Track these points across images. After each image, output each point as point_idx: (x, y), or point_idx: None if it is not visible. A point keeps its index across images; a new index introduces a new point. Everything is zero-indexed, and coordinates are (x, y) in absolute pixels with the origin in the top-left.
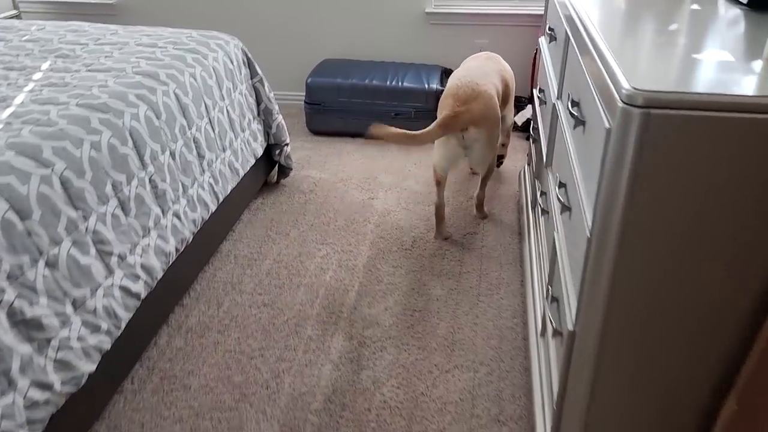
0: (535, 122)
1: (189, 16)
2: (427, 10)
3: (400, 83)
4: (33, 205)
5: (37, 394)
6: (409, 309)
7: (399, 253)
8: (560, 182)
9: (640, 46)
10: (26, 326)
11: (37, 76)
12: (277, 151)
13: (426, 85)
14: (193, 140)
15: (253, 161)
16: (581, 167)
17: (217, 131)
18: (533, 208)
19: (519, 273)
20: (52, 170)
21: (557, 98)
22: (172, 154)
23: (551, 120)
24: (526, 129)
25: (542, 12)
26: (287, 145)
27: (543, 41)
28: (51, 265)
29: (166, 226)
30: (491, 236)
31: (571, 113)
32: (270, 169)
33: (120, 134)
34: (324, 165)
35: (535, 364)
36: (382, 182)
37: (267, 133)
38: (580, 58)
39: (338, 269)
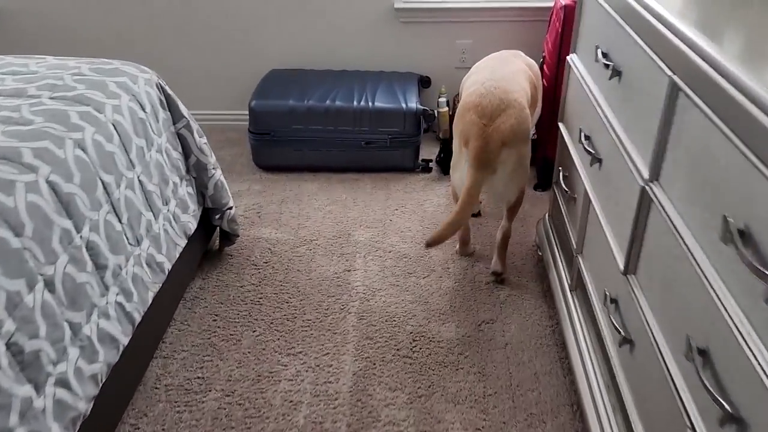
0: (565, 168)
1: (89, 19)
2: (396, 6)
3: (369, 103)
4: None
5: None
6: None
7: (396, 364)
8: (698, 348)
9: None
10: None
11: None
12: (217, 216)
13: (404, 104)
14: (87, 247)
15: (183, 243)
16: None
17: (125, 218)
18: (573, 290)
19: (566, 389)
20: None
21: (651, 180)
22: (50, 285)
23: (637, 210)
24: None
25: (548, 5)
26: (230, 208)
27: (579, 64)
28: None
29: (44, 410)
30: (515, 324)
31: (739, 254)
32: (209, 234)
33: None
34: (280, 218)
35: None
36: (358, 241)
37: (202, 194)
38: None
39: (314, 400)
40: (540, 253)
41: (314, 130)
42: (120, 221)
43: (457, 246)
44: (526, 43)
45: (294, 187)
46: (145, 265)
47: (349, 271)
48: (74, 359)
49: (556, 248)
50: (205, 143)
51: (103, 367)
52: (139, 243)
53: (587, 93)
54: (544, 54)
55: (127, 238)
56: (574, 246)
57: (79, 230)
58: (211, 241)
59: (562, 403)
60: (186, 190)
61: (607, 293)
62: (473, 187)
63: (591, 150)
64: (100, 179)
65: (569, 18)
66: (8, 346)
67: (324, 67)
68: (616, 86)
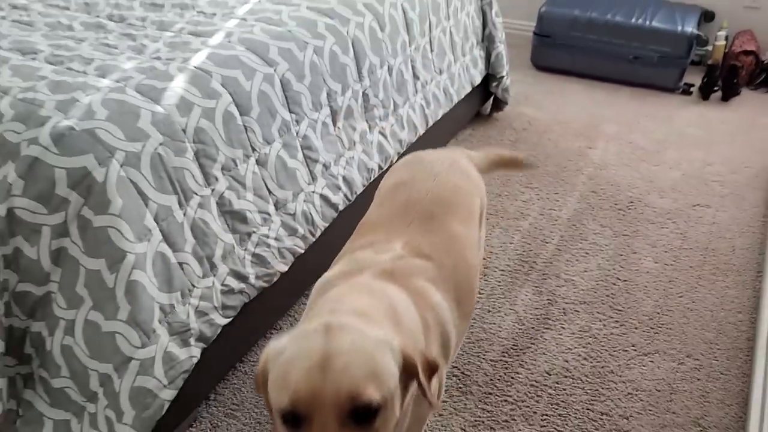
0: None
1: None
2: None
3: (647, 21)
4: (253, 102)
5: (233, 283)
6: (612, 276)
7: (611, 212)
8: None
9: None
10: (232, 217)
11: None
12: (495, 83)
13: (679, 27)
14: (411, 59)
15: (469, 89)
16: None
17: (435, 52)
18: None
19: (756, 262)
20: (275, 70)
21: None
22: (390, 70)
23: None
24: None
25: None
26: (503, 77)
27: None
28: (261, 163)
29: (372, 142)
30: (727, 214)
31: None
32: (484, 99)
33: (343, 43)
34: (542, 104)
35: (759, 377)
36: (604, 131)
37: (487, 60)
38: None
39: (539, 218)
40: None
41: (589, 39)
42: (431, 52)
43: None
44: None
45: (560, 85)
46: (441, 90)
47: (590, 148)
48: (392, 123)
49: None
50: (500, 21)
51: (406, 138)
52: (440, 74)
53: None
54: None
55: (433, 65)
56: None
57: (410, 44)
58: (483, 106)
59: (749, 269)
60: (479, 53)
61: None
62: None
63: None
64: (429, 17)
65: None
66: (363, 94)
67: None
68: None
